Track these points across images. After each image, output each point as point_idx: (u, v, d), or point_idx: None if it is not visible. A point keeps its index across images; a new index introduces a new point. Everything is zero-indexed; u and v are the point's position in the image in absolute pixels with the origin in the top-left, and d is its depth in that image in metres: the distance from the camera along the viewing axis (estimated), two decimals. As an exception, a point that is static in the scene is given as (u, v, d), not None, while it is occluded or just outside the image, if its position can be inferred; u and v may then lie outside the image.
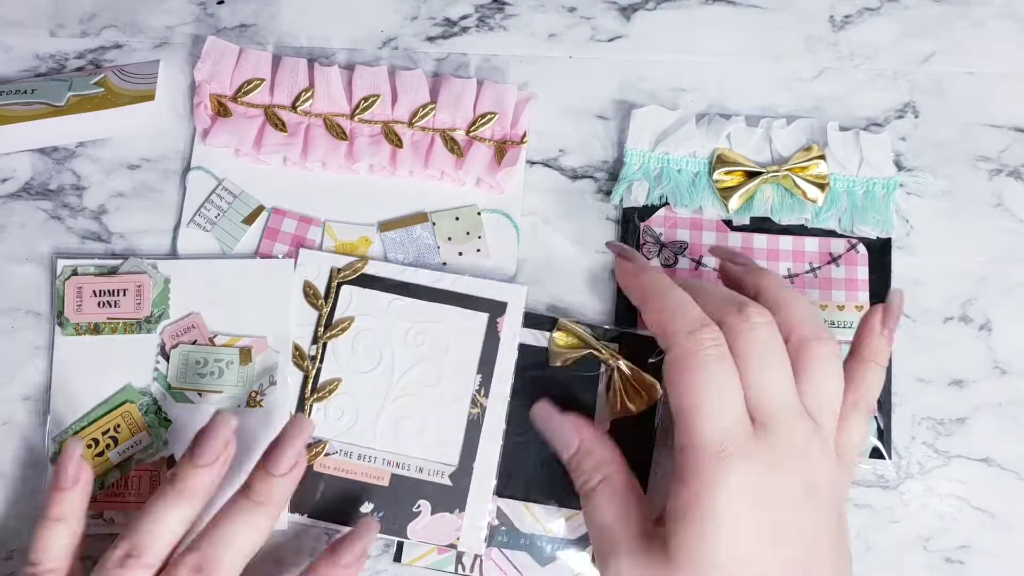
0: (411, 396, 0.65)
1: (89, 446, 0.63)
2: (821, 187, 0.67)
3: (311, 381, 0.65)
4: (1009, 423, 0.66)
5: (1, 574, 0.63)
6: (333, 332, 0.66)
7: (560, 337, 0.65)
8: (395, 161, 0.68)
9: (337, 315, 0.66)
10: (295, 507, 0.63)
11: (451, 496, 0.64)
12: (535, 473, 0.64)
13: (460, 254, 0.68)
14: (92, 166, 0.70)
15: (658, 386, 0.64)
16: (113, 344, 0.65)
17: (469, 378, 0.65)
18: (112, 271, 0.66)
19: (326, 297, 0.66)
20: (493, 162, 0.68)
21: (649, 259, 0.68)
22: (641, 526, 0.55)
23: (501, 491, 0.64)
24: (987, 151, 0.70)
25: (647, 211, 0.68)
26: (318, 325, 0.66)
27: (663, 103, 0.71)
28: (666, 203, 0.68)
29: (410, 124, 0.69)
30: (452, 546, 0.63)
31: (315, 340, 0.66)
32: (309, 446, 0.64)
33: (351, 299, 0.66)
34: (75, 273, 0.66)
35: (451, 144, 0.69)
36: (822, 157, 0.68)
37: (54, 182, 0.70)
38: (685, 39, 0.73)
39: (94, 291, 0.65)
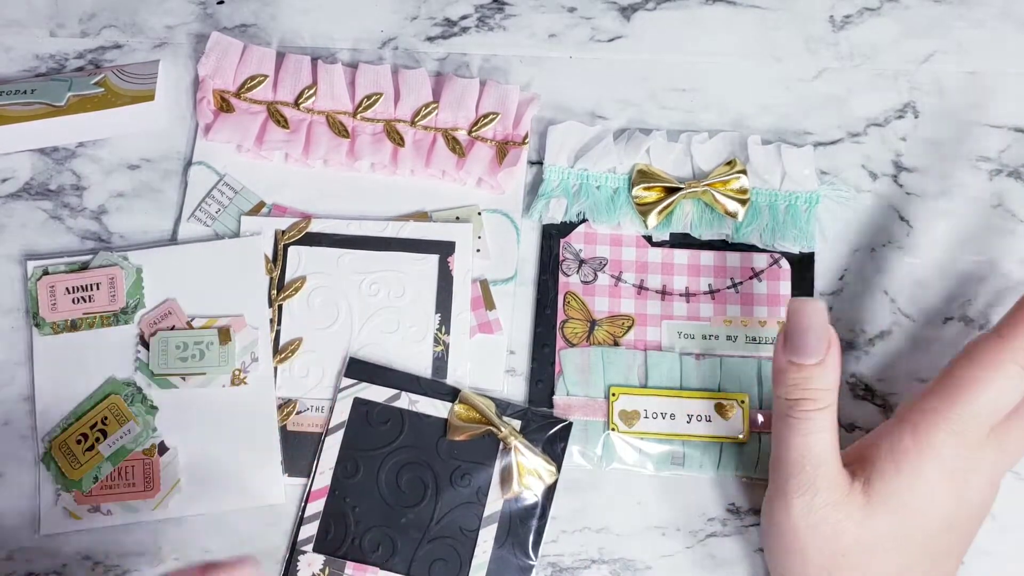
0: (374, 345, 0.66)
1: (79, 441, 0.63)
2: (742, 202, 0.66)
3: (271, 344, 0.66)
4: (1009, 423, 0.66)
5: (1, 574, 0.63)
6: (287, 293, 0.66)
7: (461, 410, 0.63)
8: (396, 160, 0.68)
9: (288, 276, 0.67)
10: (292, 471, 0.64)
11: None
12: (421, 549, 0.62)
13: (461, 253, 0.68)
14: (92, 166, 0.70)
15: (555, 470, 0.63)
16: (92, 339, 0.65)
17: (428, 319, 0.66)
18: (83, 267, 0.66)
19: (274, 260, 0.67)
20: (494, 162, 0.68)
21: (568, 276, 0.67)
22: (840, 463, 0.56)
23: (382, 563, 0.62)
24: (987, 151, 0.70)
25: (567, 227, 0.68)
26: (270, 288, 0.67)
27: (663, 103, 0.71)
28: (585, 219, 0.68)
29: (412, 123, 0.69)
30: None
31: (270, 303, 0.66)
32: (280, 407, 0.64)
33: (300, 259, 0.67)
34: (46, 272, 0.66)
35: (453, 144, 0.69)
36: (743, 172, 0.67)
37: (54, 182, 0.70)
38: (685, 39, 0.73)
39: (67, 288, 0.65)
